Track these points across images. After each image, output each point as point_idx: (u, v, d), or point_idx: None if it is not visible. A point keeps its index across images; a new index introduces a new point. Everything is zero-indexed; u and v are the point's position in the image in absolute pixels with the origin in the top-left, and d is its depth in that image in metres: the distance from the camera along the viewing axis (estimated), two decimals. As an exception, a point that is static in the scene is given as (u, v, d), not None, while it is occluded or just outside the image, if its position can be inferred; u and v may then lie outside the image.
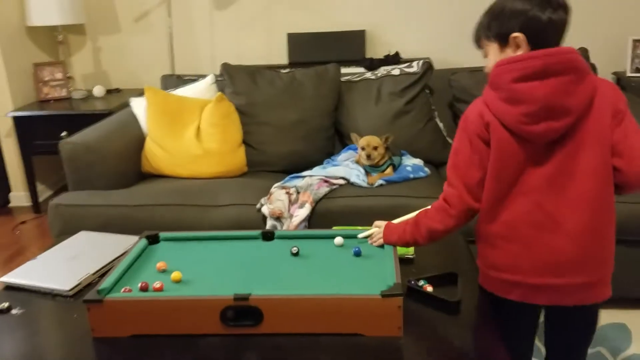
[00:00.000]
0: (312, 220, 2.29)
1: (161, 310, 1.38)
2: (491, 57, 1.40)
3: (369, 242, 1.67)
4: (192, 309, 1.38)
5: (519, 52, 1.33)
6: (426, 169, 2.58)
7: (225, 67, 2.92)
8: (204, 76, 3.03)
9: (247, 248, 1.69)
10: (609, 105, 1.33)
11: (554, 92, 1.28)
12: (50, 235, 2.43)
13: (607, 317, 2.31)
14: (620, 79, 3.55)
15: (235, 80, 2.87)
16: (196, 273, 1.53)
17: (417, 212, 1.58)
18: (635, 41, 3.49)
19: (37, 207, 3.64)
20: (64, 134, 3.38)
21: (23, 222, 3.56)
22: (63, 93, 3.69)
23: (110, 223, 2.28)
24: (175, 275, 1.50)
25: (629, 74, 3.52)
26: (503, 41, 1.36)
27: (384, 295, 1.35)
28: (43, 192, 3.85)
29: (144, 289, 1.44)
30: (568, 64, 1.28)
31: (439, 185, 2.45)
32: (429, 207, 1.52)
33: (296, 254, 1.62)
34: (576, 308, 1.42)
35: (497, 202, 1.39)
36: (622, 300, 2.39)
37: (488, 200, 1.40)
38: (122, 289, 1.44)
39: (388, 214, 2.26)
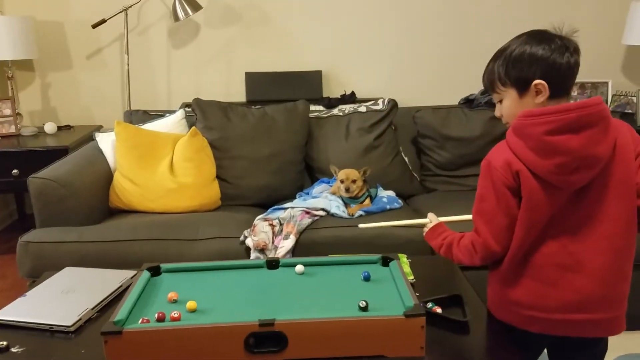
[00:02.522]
0: (296, 251, 2.31)
1: (184, 339, 1.35)
2: (507, 103, 1.42)
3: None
4: (217, 337, 1.36)
5: (540, 99, 1.35)
6: (400, 200, 2.67)
7: (197, 102, 2.92)
8: (171, 111, 3.01)
9: (254, 276, 1.68)
10: (631, 147, 1.39)
11: (587, 143, 1.30)
12: (19, 274, 2.31)
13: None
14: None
15: (208, 115, 2.87)
16: (210, 302, 1.51)
17: (464, 217, 1.65)
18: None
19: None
20: (15, 171, 3.24)
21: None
22: (12, 130, 3.53)
23: (86, 260, 2.20)
24: (191, 304, 1.47)
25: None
26: (522, 88, 1.37)
27: (408, 315, 1.38)
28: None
29: (161, 319, 1.41)
30: (598, 115, 1.31)
31: (413, 214, 2.56)
32: (467, 233, 1.50)
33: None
34: (593, 338, 1.48)
35: (525, 247, 1.41)
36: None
37: (516, 246, 1.40)
38: (140, 320, 1.40)
39: (370, 244, 2.35)
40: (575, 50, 1.36)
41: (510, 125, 1.41)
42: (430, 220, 1.67)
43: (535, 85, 1.35)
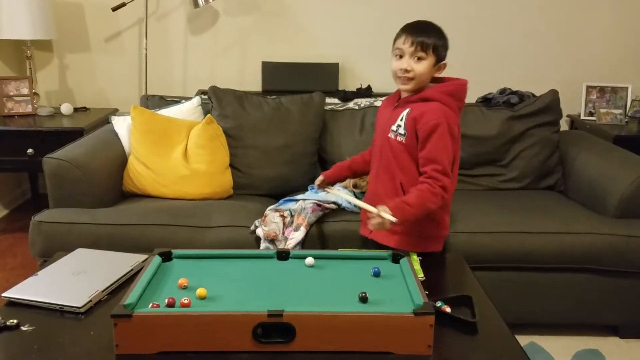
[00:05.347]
0: (306, 243, 2.31)
1: (193, 325, 1.36)
2: (426, 66, 1.88)
3: (370, 225, 1.84)
4: (225, 325, 1.36)
5: (438, 73, 1.93)
6: (412, 198, 2.66)
7: (213, 89, 2.92)
8: (187, 98, 3.01)
9: (264, 267, 1.69)
10: None
11: None
12: (30, 253, 2.33)
13: (581, 343, 2.43)
14: (574, 121, 3.80)
15: (223, 103, 2.87)
16: (220, 290, 1.51)
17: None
18: (589, 87, 3.75)
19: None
20: (30, 151, 3.26)
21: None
22: (28, 109, 3.55)
23: (98, 242, 2.21)
24: (201, 291, 1.47)
25: (582, 117, 3.77)
26: (437, 62, 1.90)
27: (417, 313, 1.38)
28: (-3, 211, 3.67)
29: (171, 304, 1.42)
30: None
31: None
32: (414, 189, 1.84)
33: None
34: None
35: None
36: (594, 327, 2.53)
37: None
38: (150, 304, 1.40)
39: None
40: None
41: (415, 83, 1.90)
42: (383, 211, 1.79)
43: (444, 64, 1.93)
